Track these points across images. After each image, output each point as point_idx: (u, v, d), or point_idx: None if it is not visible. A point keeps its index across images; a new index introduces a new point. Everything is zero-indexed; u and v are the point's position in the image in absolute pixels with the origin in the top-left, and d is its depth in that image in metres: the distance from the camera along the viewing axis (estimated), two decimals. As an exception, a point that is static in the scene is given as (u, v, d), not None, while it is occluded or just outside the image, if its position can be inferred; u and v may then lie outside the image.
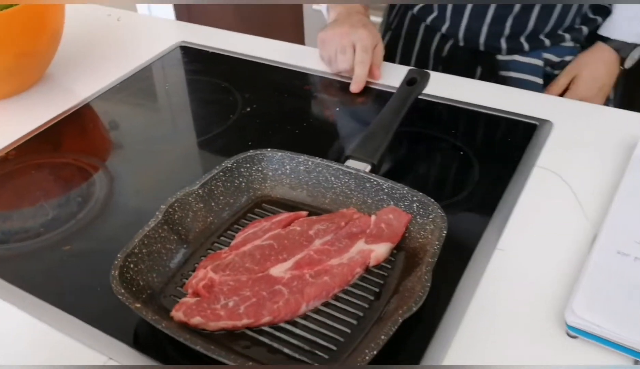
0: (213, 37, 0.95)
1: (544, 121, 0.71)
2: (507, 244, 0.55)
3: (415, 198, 0.55)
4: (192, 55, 0.91)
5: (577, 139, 0.68)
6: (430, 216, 0.54)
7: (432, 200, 0.54)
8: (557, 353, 0.46)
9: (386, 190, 0.57)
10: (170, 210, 0.56)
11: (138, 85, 0.86)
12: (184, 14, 2.33)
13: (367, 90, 0.80)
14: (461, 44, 0.89)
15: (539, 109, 0.73)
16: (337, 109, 0.78)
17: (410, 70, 0.70)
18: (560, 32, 0.85)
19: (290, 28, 2.05)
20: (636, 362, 0.45)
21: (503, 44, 0.86)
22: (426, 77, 0.69)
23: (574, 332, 0.47)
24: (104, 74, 0.86)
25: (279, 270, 0.52)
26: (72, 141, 0.77)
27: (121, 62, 0.89)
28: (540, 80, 0.87)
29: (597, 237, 0.54)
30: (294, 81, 0.85)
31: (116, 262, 0.50)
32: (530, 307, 0.49)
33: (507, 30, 0.85)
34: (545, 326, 0.48)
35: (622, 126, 0.70)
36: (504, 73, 0.88)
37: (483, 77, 0.88)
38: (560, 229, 0.57)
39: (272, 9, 2.12)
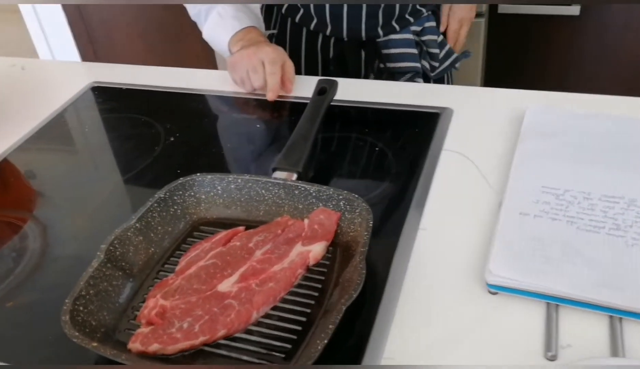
0: (124, 74, 0.96)
1: (444, 109, 0.78)
2: (428, 224, 0.61)
3: (341, 197, 0.60)
4: (105, 94, 0.92)
5: (474, 120, 0.76)
6: (357, 211, 0.59)
7: (356, 196, 0.59)
8: (483, 309, 0.52)
9: (314, 194, 0.62)
10: (111, 248, 0.58)
11: (55, 132, 0.86)
12: (89, 54, 2.29)
13: (281, 104, 0.84)
14: (345, 39, 0.99)
15: (438, 98, 0.80)
16: (257, 125, 0.82)
17: (319, 80, 0.75)
18: (417, 7, 0.99)
19: (202, 55, 2.07)
20: (547, 304, 0.51)
21: (380, 31, 0.98)
22: (335, 86, 0.75)
23: (494, 289, 0.53)
24: (18, 126, 0.86)
25: (226, 285, 0.56)
26: (-4, 197, 0.77)
27: (33, 111, 0.89)
28: (414, 50, 1.00)
29: (501, 203, 0.61)
30: (211, 105, 0.88)
31: (65, 307, 0.52)
32: (456, 274, 0.55)
33: (380, 21, 0.97)
34: (471, 288, 0.54)
35: (509, 103, 0.78)
36: (385, 51, 0.99)
37: (368, 59, 1.00)
38: (471, 202, 0.63)
39: (181, 38, 2.13)
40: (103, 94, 0.93)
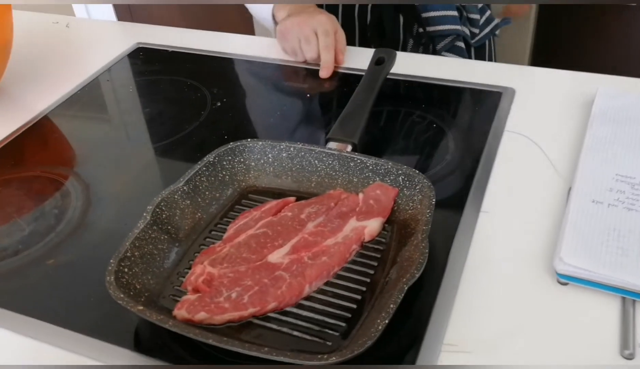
0: (168, 36, 0.94)
1: (506, 88, 0.74)
2: (490, 206, 0.58)
3: (400, 171, 0.57)
4: (150, 56, 0.90)
5: (538, 102, 0.72)
6: (417, 187, 0.55)
7: (417, 171, 0.55)
8: (552, 300, 0.48)
9: (371, 167, 0.58)
10: (158, 210, 0.55)
11: (98, 91, 0.84)
12: (126, 15, 2.27)
13: (333, 74, 0.81)
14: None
15: (499, 77, 0.76)
16: (308, 95, 0.79)
17: (376, 50, 0.72)
18: None
19: (240, 23, 2.03)
20: (623, 299, 0.48)
21: None
22: (394, 56, 0.71)
23: (564, 279, 0.49)
24: (61, 84, 0.84)
25: (277, 256, 0.53)
26: (36, 153, 0.75)
27: (77, 69, 0.87)
28: (455, 12, 0.94)
29: (571, 189, 0.57)
30: (259, 72, 0.85)
31: (110, 267, 0.49)
32: (521, 261, 0.52)
33: None
34: (537, 277, 0.50)
35: (575, 86, 0.73)
36: (424, 14, 0.94)
37: (407, 23, 0.95)
38: (536, 186, 0.59)
39: (219, 8, 2.10)
40: (148, 55, 0.90)
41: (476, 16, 0.97)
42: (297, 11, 0.84)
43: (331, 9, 0.97)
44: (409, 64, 0.79)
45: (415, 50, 0.97)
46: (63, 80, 0.85)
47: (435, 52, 0.98)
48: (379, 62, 0.69)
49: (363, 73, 0.70)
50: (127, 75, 0.87)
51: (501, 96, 0.72)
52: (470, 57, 0.99)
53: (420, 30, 0.96)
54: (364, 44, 0.97)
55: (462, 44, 0.98)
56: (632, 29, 1.61)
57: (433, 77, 0.78)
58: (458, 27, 0.95)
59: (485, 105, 0.72)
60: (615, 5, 1.56)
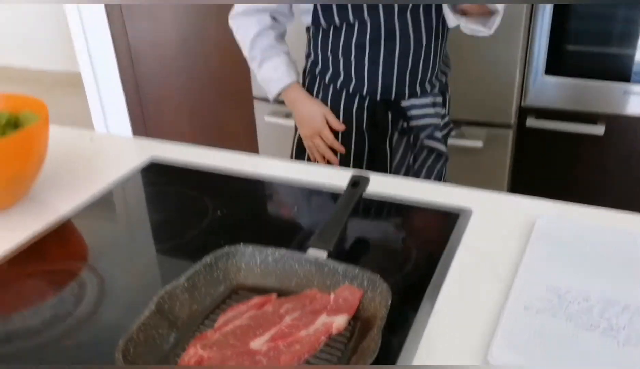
0: (179, 152, 1.09)
1: (464, 210, 0.87)
2: (441, 307, 0.68)
3: (365, 276, 0.68)
4: (162, 170, 1.04)
5: (491, 221, 0.84)
6: (378, 290, 0.66)
7: (379, 276, 0.67)
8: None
9: (341, 272, 0.70)
10: (161, 301, 0.66)
11: (115, 198, 0.97)
12: (140, 127, 2.48)
13: (318, 192, 0.94)
14: (378, 99, 1.22)
15: (460, 199, 0.89)
16: (296, 208, 0.92)
17: (353, 175, 0.86)
18: (433, 80, 1.25)
19: (243, 138, 2.23)
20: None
21: (406, 90, 1.22)
22: (367, 181, 0.85)
23: (496, 372, 0.59)
24: (84, 191, 0.97)
25: (257, 343, 0.63)
26: (59, 250, 0.87)
27: (99, 178, 1.01)
28: (432, 110, 1.25)
29: (508, 296, 0.68)
30: (257, 188, 0.99)
31: (118, 346, 0.60)
32: (461, 354, 0.62)
33: (407, 80, 1.21)
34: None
35: (524, 209, 0.86)
36: (409, 113, 1.23)
37: (394, 119, 1.23)
38: (482, 293, 0.70)
39: (225, 121, 2.31)
40: (160, 169, 1.05)
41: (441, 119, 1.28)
42: (301, 98, 1.24)
43: (334, 110, 1.25)
44: (383, 185, 0.93)
45: (399, 141, 1.24)
46: (86, 188, 0.98)
47: (417, 139, 1.25)
48: (354, 185, 0.83)
49: (342, 192, 0.83)
50: (140, 186, 1.01)
51: (459, 216, 0.85)
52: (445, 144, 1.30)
53: (404, 125, 1.23)
54: (360, 135, 1.25)
55: (439, 134, 1.25)
56: (600, 157, 1.78)
57: (402, 197, 0.91)
58: (435, 120, 1.25)
59: (446, 222, 0.84)
60: (584, 134, 1.73)
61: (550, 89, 1.74)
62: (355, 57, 1.20)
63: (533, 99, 1.76)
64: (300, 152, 1.35)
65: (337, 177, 0.96)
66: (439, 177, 1.31)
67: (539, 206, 0.88)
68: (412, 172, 1.27)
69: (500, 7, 1.12)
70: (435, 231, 0.84)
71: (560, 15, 1.66)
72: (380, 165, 1.25)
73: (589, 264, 0.73)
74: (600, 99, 1.71)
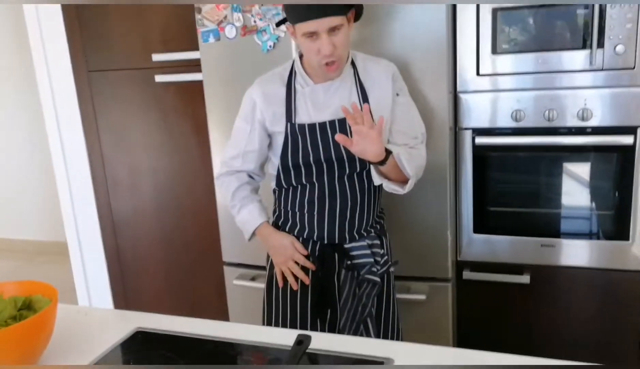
0: (160, 322, 1.29)
1: (387, 358, 1.08)
2: None
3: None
4: (146, 338, 1.24)
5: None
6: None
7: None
8: None
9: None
10: None
11: (109, 361, 1.16)
12: (120, 292, 2.68)
13: (270, 350, 1.15)
14: (325, 242, 1.60)
15: (383, 350, 1.11)
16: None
17: (299, 334, 1.08)
18: (369, 227, 1.64)
19: (214, 299, 2.43)
20: None
21: (346, 236, 1.59)
22: (309, 340, 1.06)
23: None
24: (78, 359, 1.16)
25: None
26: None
27: (94, 347, 1.20)
28: (369, 251, 1.62)
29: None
30: (226, 350, 1.19)
31: None
32: None
33: (347, 228, 1.59)
34: None
35: (443, 356, 1.08)
36: (351, 253, 1.61)
37: (340, 258, 1.61)
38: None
39: (199, 283, 2.52)
40: (144, 337, 1.25)
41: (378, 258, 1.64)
42: (273, 235, 1.62)
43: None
44: (323, 341, 1.15)
45: (346, 275, 1.59)
46: (79, 356, 1.17)
47: (359, 276, 1.60)
48: (299, 343, 1.05)
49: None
50: (129, 352, 1.20)
51: (383, 363, 1.06)
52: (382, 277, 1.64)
53: (349, 262, 1.60)
54: (314, 272, 1.60)
55: (376, 269, 1.61)
56: (528, 303, 2.02)
57: (334, 351, 1.12)
58: (371, 259, 1.61)
59: (374, 371, 1.05)
60: (512, 283, 1.99)
61: (480, 245, 2.03)
62: (307, 211, 1.60)
63: (466, 254, 2.04)
64: (270, 290, 1.68)
65: (287, 337, 1.18)
66: (373, 300, 1.63)
67: (445, 354, 1.10)
68: (356, 298, 1.61)
69: (413, 174, 1.52)
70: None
71: (480, 181, 1.99)
72: (330, 293, 1.59)
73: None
74: (524, 252, 2.00)
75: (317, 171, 1.57)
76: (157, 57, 2.27)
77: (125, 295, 2.71)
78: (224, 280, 2.24)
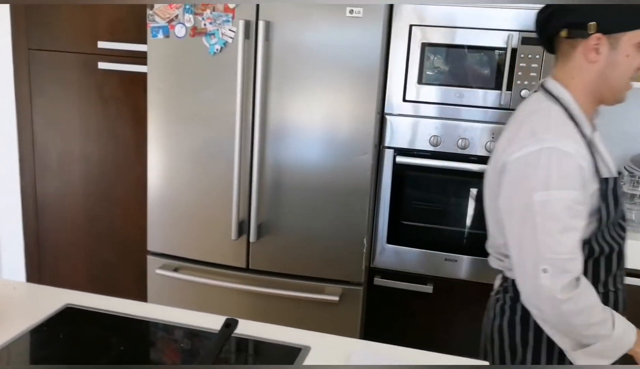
0: (89, 300, 1.36)
1: (305, 346, 1.22)
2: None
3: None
4: (75, 314, 1.31)
5: (324, 354, 1.20)
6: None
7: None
8: None
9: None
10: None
11: (36, 338, 1.22)
12: (35, 275, 2.66)
13: (198, 333, 1.26)
14: None
15: (301, 338, 1.25)
16: (182, 345, 1.23)
17: (227, 318, 1.19)
18: None
19: (134, 294, 2.47)
20: None
21: None
22: (236, 323, 1.18)
23: None
24: (15, 328, 1.21)
25: None
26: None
27: (23, 319, 1.25)
28: None
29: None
30: (154, 330, 1.28)
31: None
32: None
33: None
34: None
35: (344, 345, 1.23)
36: None
37: None
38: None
39: (119, 272, 2.56)
40: (73, 313, 1.31)
41: None
42: None
43: None
44: (245, 327, 1.27)
45: None
46: (10, 328, 1.22)
47: None
48: (227, 326, 1.16)
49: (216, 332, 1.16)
50: (59, 325, 1.27)
51: (300, 351, 1.20)
52: None
53: None
54: None
55: None
56: (430, 309, 2.24)
57: (259, 337, 1.25)
58: None
59: (290, 354, 1.19)
60: (417, 291, 2.19)
61: (392, 255, 2.23)
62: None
63: (379, 262, 2.23)
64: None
65: (213, 322, 1.29)
66: None
67: (356, 345, 1.25)
68: None
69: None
70: (282, 360, 1.18)
71: (397, 197, 2.19)
72: None
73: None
74: (429, 264, 2.21)
75: (620, 233, 1.28)
76: (102, 44, 2.30)
77: (41, 280, 2.69)
78: (146, 270, 2.29)
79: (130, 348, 1.20)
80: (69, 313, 1.32)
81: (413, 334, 2.27)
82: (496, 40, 2.03)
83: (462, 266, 2.19)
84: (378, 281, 2.23)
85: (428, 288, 2.20)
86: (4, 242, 2.68)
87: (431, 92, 2.11)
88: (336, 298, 2.10)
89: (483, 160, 2.10)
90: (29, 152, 2.54)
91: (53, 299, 1.36)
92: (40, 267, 2.68)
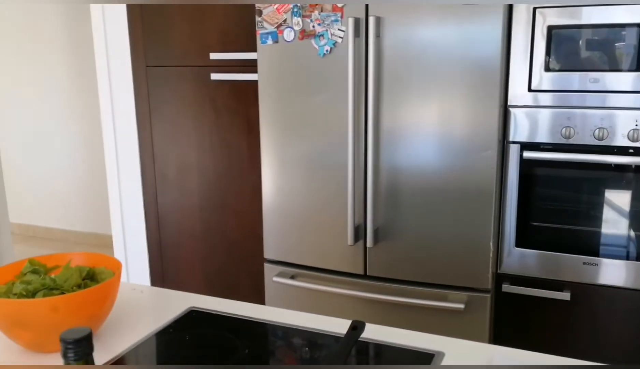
0: (212, 303, 1.34)
1: (438, 352, 1.11)
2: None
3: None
4: (199, 316, 1.29)
5: (458, 360, 1.08)
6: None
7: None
8: None
9: (343, 393, 0.93)
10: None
11: (161, 339, 1.21)
12: (158, 282, 2.75)
13: (322, 337, 1.19)
14: None
15: (431, 343, 1.14)
16: (306, 349, 1.16)
17: (353, 321, 1.11)
18: None
19: (252, 301, 2.48)
20: None
21: None
22: (363, 326, 1.10)
23: None
24: (138, 332, 1.21)
25: None
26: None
27: (150, 322, 1.25)
28: None
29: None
30: (269, 331, 1.23)
31: None
32: None
33: None
34: None
35: (483, 351, 1.10)
36: None
37: None
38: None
39: (236, 280, 2.58)
40: (198, 315, 1.30)
41: None
42: None
43: None
44: (371, 332, 1.18)
45: None
46: (138, 330, 1.22)
47: None
48: (354, 328, 1.08)
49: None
50: (183, 328, 1.25)
51: (434, 357, 1.09)
52: None
53: None
54: None
55: None
56: (568, 320, 2.02)
57: (386, 341, 1.15)
58: None
59: (422, 360, 1.08)
60: (552, 299, 1.99)
61: (521, 259, 2.04)
62: None
63: (507, 267, 2.05)
64: None
65: (337, 326, 1.21)
66: None
67: (495, 351, 1.12)
68: None
69: None
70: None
71: (525, 196, 2.01)
72: None
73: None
74: (565, 268, 2.00)
75: None
76: (214, 56, 2.35)
77: (164, 286, 2.78)
78: (263, 278, 2.28)
79: (255, 350, 1.15)
80: (193, 316, 1.30)
81: (548, 345, 2.05)
82: (631, 15, 1.81)
83: (603, 269, 1.96)
84: (507, 287, 2.05)
85: (565, 295, 1.98)
86: (130, 251, 2.81)
87: (560, 79, 1.92)
88: (461, 306, 1.95)
89: (624, 151, 1.87)
90: (149, 165, 2.65)
91: (178, 302, 1.36)
92: (163, 274, 2.77)
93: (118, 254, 2.85)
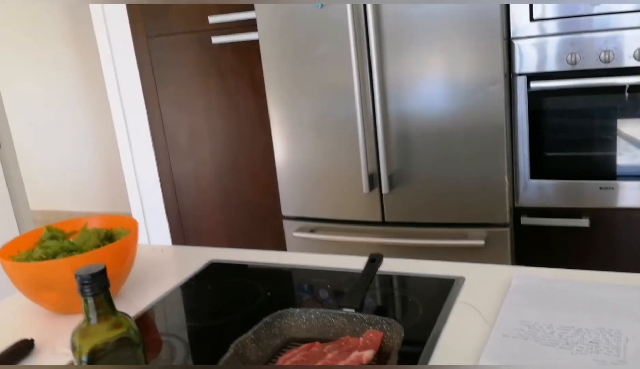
0: (232, 254, 1.37)
1: (459, 277, 1.12)
2: (443, 342, 0.92)
3: (384, 322, 0.93)
4: (220, 268, 1.32)
5: (478, 283, 1.09)
6: (394, 329, 0.91)
7: (394, 320, 0.92)
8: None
9: (366, 321, 0.94)
10: (236, 347, 0.91)
11: (185, 292, 1.24)
12: (179, 237, 2.79)
13: (342, 274, 1.21)
14: None
15: (454, 270, 1.15)
16: (328, 286, 1.18)
17: (371, 254, 1.12)
18: None
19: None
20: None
21: None
22: (381, 258, 1.11)
23: (483, 376, 0.82)
24: (156, 290, 1.24)
25: (308, 371, 0.87)
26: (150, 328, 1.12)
27: (169, 279, 1.28)
28: None
29: (492, 329, 0.92)
30: (294, 275, 1.25)
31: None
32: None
33: None
34: (467, 377, 0.83)
35: (504, 272, 1.11)
36: None
37: None
38: (473, 328, 0.94)
39: (258, 240, 2.61)
40: (219, 267, 1.32)
41: None
42: None
43: None
44: (394, 263, 1.19)
45: None
46: (158, 287, 1.25)
47: None
48: (372, 261, 1.10)
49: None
50: (206, 280, 1.28)
51: (454, 282, 1.10)
52: None
53: None
54: None
55: None
56: (587, 247, 2.01)
57: (407, 272, 1.17)
58: None
59: (443, 286, 1.09)
60: (571, 227, 1.98)
61: (537, 191, 2.03)
62: None
63: (524, 200, 2.04)
64: None
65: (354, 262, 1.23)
66: None
67: (515, 270, 1.13)
68: None
69: None
70: (436, 293, 1.09)
71: (536, 127, 1.99)
72: None
73: (549, 304, 0.97)
74: (582, 195, 1.99)
75: None
76: (213, 19, 2.33)
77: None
78: (284, 235, 2.31)
79: (276, 292, 1.18)
80: (214, 268, 1.33)
81: (572, 275, 2.06)
82: None
83: (620, 192, 1.94)
84: (525, 220, 2.05)
85: (584, 222, 1.98)
86: (151, 225, 2.85)
87: (561, 5, 1.87)
88: (482, 242, 1.96)
89: (632, 71, 1.83)
90: (160, 137, 2.66)
91: (198, 257, 1.38)
92: (186, 244, 2.81)
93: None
